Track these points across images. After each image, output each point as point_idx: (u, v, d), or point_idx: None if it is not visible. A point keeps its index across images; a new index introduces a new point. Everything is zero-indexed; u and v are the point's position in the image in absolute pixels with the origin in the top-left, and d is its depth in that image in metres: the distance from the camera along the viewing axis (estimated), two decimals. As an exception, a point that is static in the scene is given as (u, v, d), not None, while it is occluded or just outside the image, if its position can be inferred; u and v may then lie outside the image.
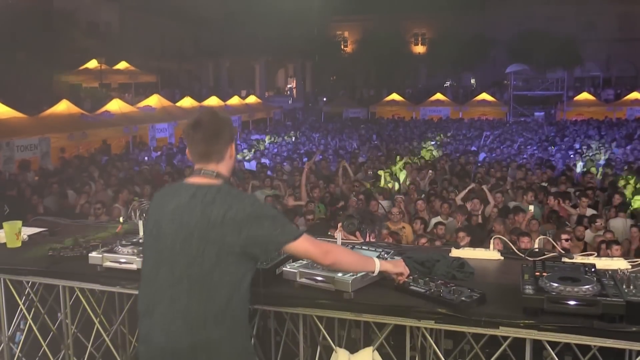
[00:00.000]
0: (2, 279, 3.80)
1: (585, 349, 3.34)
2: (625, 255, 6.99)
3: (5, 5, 19.35)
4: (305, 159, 16.22)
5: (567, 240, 7.13)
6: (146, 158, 17.94)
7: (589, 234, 8.32)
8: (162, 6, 39.85)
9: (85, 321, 3.99)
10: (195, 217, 2.51)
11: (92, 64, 27.77)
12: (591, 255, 3.61)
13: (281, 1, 38.10)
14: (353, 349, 3.32)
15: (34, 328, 3.95)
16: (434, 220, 8.95)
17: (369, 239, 4.64)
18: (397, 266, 3.01)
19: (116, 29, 36.38)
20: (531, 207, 8.93)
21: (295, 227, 2.73)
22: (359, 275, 2.97)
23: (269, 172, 14.01)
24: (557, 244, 6.74)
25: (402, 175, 13.28)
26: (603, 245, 7.25)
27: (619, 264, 3.41)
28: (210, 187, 2.59)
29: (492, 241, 3.75)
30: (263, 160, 17.18)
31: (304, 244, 2.64)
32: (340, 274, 2.97)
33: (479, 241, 7.15)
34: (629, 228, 8.58)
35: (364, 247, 3.52)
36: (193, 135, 2.67)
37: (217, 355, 2.52)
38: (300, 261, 3.20)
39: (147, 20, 39.30)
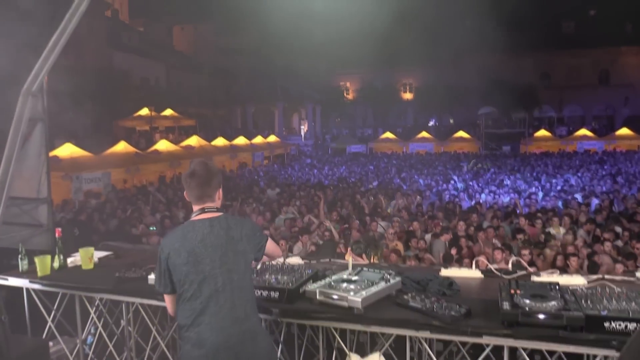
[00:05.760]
0: (77, 295, 3.85)
1: (552, 351, 3.32)
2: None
3: (76, 64, 19.77)
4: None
5: (527, 255, 7.03)
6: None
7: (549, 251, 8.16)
8: (199, 64, 40.41)
9: (144, 328, 4.02)
10: (222, 239, 2.68)
11: (144, 111, 28.00)
12: (554, 273, 3.60)
13: (294, 59, 38.39)
14: (361, 351, 3.32)
15: (103, 333, 3.98)
16: (427, 236, 8.85)
17: (373, 260, 4.63)
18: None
19: (163, 83, 36.86)
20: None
21: (265, 234, 2.98)
22: (368, 294, 2.97)
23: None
24: (521, 258, 6.71)
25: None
26: (560, 257, 7.17)
27: (578, 280, 3.39)
28: (220, 218, 2.76)
29: (473, 262, 3.74)
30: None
31: (271, 246, 2.94)
32: (352, 294, 2.96)
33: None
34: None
35: (370, 269, 3.48)
36: (189, 182, 2.78)
37: (258, 337, 2.67)
38: (319, 282, 3.21)
39: (187, 76, 39.89)
